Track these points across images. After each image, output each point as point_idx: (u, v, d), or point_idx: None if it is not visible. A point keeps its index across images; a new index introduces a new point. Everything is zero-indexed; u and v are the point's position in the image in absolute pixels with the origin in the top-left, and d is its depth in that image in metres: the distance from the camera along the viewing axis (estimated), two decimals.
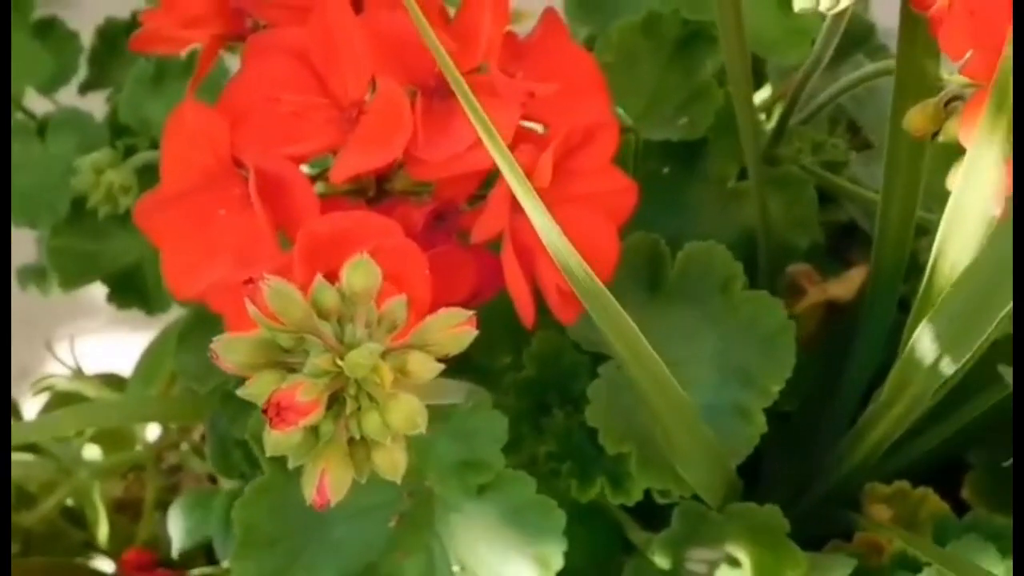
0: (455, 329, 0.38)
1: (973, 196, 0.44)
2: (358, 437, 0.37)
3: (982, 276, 0.44)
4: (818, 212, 0.60)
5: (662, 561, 0.53)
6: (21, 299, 0.74)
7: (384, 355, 0.37)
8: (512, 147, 0.45)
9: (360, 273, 0.37)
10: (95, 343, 0.77)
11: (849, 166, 0.62)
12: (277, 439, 0.36)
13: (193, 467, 0.69)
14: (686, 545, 0.53)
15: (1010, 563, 0.55)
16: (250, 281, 0.36)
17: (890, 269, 0.56)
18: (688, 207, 0.59)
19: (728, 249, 0.56)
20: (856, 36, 0.64)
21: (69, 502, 0.70)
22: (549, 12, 0.49)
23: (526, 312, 0.47)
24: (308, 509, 0.50)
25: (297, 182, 0.44)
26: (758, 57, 0.62)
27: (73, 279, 0.67)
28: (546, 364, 0.53)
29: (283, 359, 0.37)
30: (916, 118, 0.47)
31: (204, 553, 0.65)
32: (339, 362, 0.36)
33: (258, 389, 0.36)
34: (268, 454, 0.36)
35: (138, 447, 0.70)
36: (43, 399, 0.73)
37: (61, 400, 0.70)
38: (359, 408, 0.37)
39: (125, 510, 0.69)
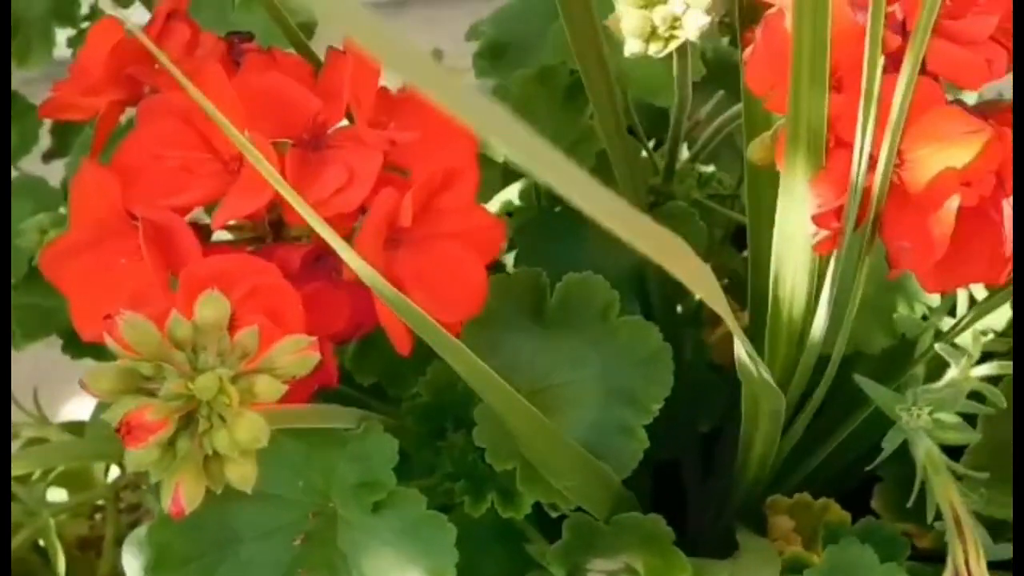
0: (299, 354, 0.43)
1: (793, 221, 0.48)
2: (211, 453, 0.41)
3: (794, 297, 0.48)
4: (707, 242, 0.64)
5: (558, 571, 0.57)
6: None
7: (234, 379, 0.41)
8: (375, 191, 0.50)
9: (210, 307, 0.42)
10: (57, 392, 0.82)
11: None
12: (137, 456, 0.40)
13: (151, 505, 0.74)
14: (578, 555, 0.57)
15: (889, 567, 0.58)
16: (108, 317, 0.41)
17: (763, 293, 0.60)
18: (585, 241, 0.64)
19: (622, 279, 0.60)
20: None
21: (42, 541, 0.75)
22: None
23: (400, 342, 0.52)
24: (219, 530, 0.55)
25: (180, 230, 0.49)
26: None
27: (32, 333, 0.72)
28: (440, 391, 0.57)
29: (144, 386, 0.41)
30: (756, 150, 0.51)
31: None
32: (190, 386, 0.40)
33: (116, 413, 0.40)
34: (128, 470, 0.41)
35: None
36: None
37: (28, 445, 0.75)
38: (211, 427, 0.41)
39: (89, 548, 0.74)
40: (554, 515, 0.57)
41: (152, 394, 0.41)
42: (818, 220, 0.47)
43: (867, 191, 0.46)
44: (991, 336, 0.63)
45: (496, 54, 0.67)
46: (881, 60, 0.41)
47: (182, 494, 0.41)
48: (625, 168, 0.59)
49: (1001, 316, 0.63)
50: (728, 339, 0.71)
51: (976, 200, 0.47)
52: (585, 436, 0.57)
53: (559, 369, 0.58)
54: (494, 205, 0.64)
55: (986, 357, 0.66)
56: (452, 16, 0.76)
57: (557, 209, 0.63)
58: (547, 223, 0.63)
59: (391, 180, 0.50)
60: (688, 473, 0.74)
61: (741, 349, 0.48)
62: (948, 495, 0.54)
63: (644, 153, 0.65)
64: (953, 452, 0.65)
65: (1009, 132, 0.48)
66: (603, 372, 0.58)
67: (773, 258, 0.51)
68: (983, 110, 0.51)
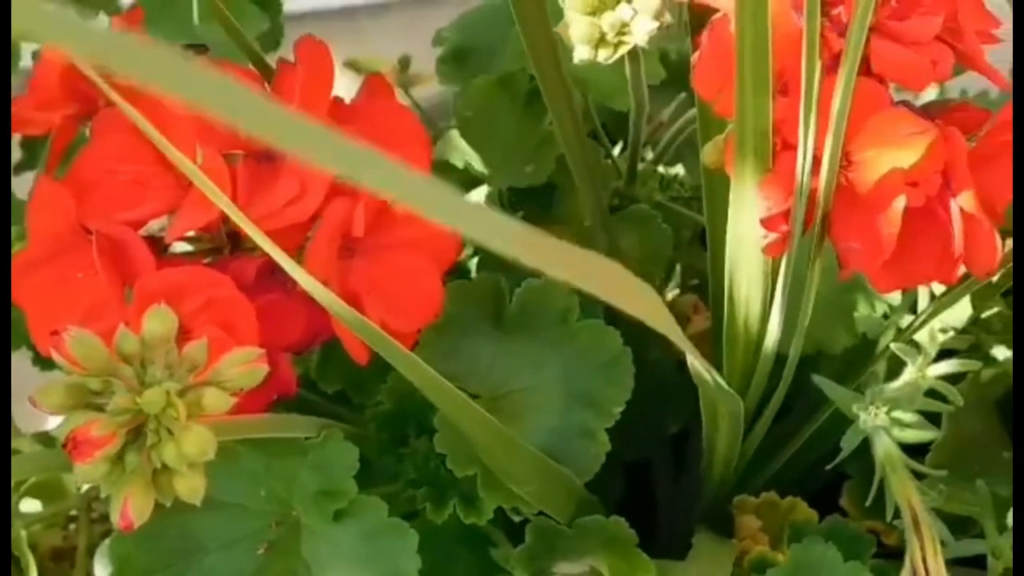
0: (248, 366, 0.43)
1: (743, 224, 0.49)
2: (160, 466, 0.42)
3: (750, 300, 0.48)
4: (671, 244, 0.65)
5: (522, 575, 0.57)
6: None
7: (182, 392, 0.42)
8: (327, 201, 0.50)
9: (157, 320, 0.42)
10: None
11: None
12: (85, 471, 0.41)
13: None
14: (542, 559, 0.57)
15: (853, 566, 0.59)
16: (55, 332, 0.41)
17: (721, 295, 0.60)
18: None
19: None
20: None
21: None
22: (372, 77, 0.54)
23: (356, 353, 0.52)
24: (182, 540, 0.55)
25: (134, 244, 0.49)
26: None
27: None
28: (402, 398, 0.58)
29: (94, 400, 0.42)
30: (709, 153, 0.52)
31: None
32: (138, 400, 0.41)
33: (65, 428, 0.41)
34: (78, 484, 0.41)
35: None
36: None
37: None
38: (159, 440, 0.41)
39: (63, 559, 0.74)
40: (517, 519, 0.57)
41: (101, 408, 0.41)
42: (766, 223, 0.47)
43: (813, 193, 0.46)
44: (951, 334, 0.63)
45: (458, 60, 0.67)
46: (819, 63, 0.42)
47: (131, 508, 0.41)
48: (585, 173, 0.59)
49: (961, 313, 0.63)
50: (697, 338, 0.72)
51: (923, 200, 0.47)
52: (546, 440, 0.57)
53: (519, 374, 0.58)
54: None
55: (948, 354, 0.66)
56: (437, 18, 0.76)
57: (519, 214, 0.64)
58: None
59: (343, 190, 0.50)
60: (659, 474, 0.74)
61: (690, 356, 0.48)
62: (906, 493, 0.55)
63: (607, 157, 0.66)
64: (919, 450, 0.65)
65: (956, 132, 0.48)
66: (563, 376, 0.58)
67: (727, 261, 0.51)
68: (931, 111, 0.51)
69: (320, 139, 0.23)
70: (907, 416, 0.55)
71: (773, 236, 0.48)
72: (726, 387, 0.51)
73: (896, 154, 0.46)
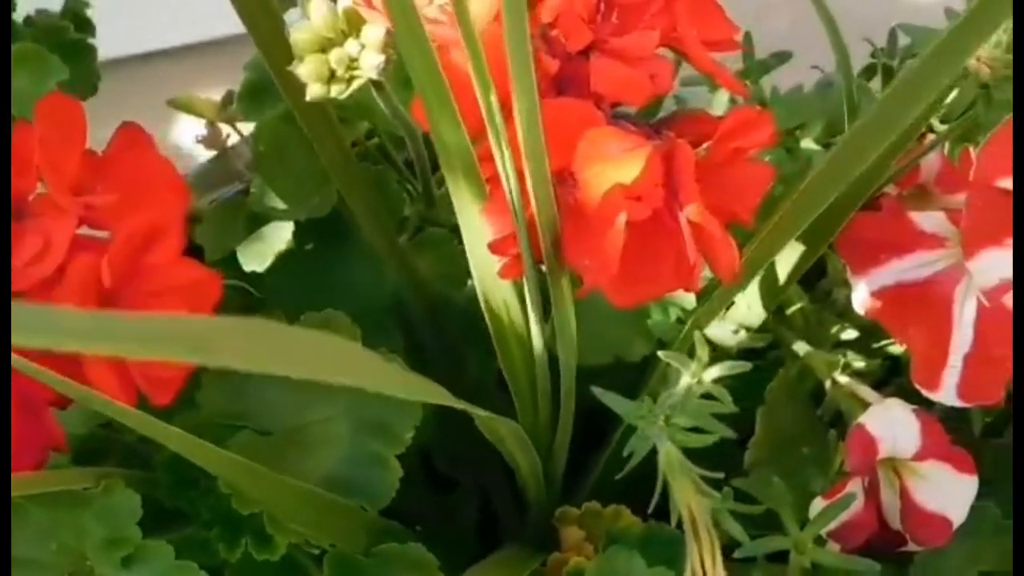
0: None
1: (480, 250, 0.49)
2: None
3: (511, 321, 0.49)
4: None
5: None
6: None
7: None
8: (70, 257, 0.50)
9: None
10: None
11: None
12: None
13: None
14: None
15: (658, 571, 0.59)
16: None
17: None
18: (340, 275, 0.64)
19: (381, 308, 0.61)
20: None
21: None
22: (124, 127, 0.55)
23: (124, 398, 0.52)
24: None
25: None
26: None
27: None
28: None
29: None
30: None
31: None
32: None
33: None
34: None
35: None
36: None
37: None
38: None
39: None
40: (310, 551, 0.57)
41: None
42: (494, 248, 0.48)
43: (533, 217, 0.47)
44: (742, 335, 0.64)
45: (255, 96, 0.68)
46: (493, 96, 0.42)
47: None
48: (360, 202, 0.60)
49: (757, 312, 0.64)
50: None
51: (648, 213, 0.48)
52: (337, 471, 0.58)
53: (310, 407, 0.59)
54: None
55: (749, 354, 0.67)
56: None
57: (308, 247, 0.64)
58: (298, 261, 0.64)
59: (88, 244, 0.51)
60: (495, 494, 0.74)
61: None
62: (686, 498, 0.55)
63: (400, 181, 0.66)
64: (740, 446, 0.66)
65: (682, 144, 0.49)
66: (351, 406, 0.58)
67: (478, 286, 0.52)
68: (664, 123, 0.52)
69: None
70: (685, 422, 0.56)
71: (505, 259, 0.48)
72: (483, 413, 0.51)
73: (617, 170, 0.47)
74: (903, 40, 0.71)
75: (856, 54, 0.69)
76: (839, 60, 0.73)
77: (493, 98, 0.42)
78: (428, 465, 0.75)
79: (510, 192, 0.45)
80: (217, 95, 0.82)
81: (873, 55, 0.73)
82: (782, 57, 0.72)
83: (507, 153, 0.43)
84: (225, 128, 0.80)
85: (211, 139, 0.81)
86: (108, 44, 0.75)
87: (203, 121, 0.80)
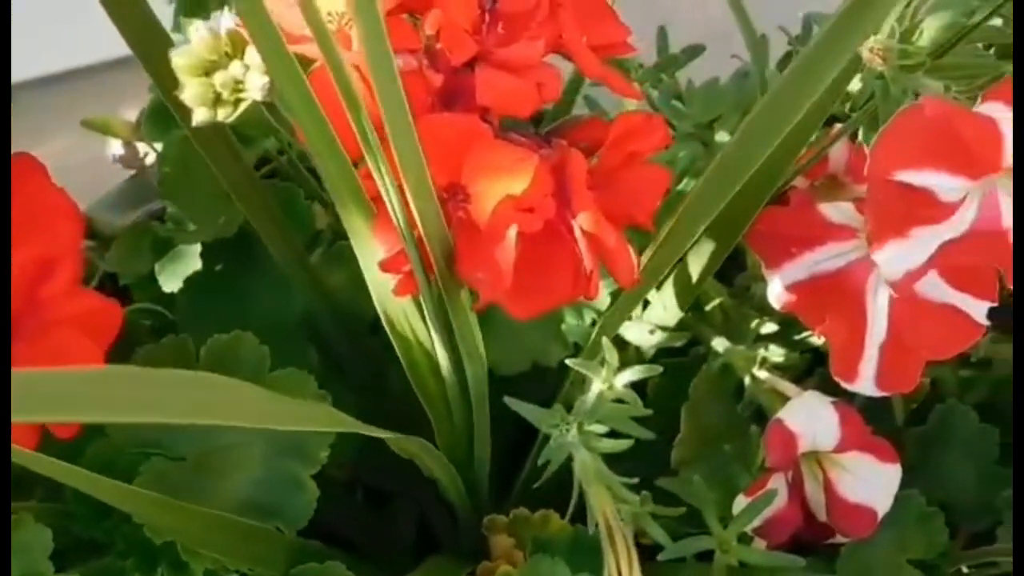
0: None
1: (374, 268, 0.49)
2: None
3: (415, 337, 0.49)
4: None
5: None
6: None
7: None
8: None
9: None
10: None
11: None
12: None
13: None
14: None
15: None
16: None
17: None
18: (251, 294, 0.64)
19: (295, 326, 0.61)
20: None
21: None
22: (18, 157, 0.54)
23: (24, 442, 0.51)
24: None
25: None
26: None
27: None
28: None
29: None
30: None
31: None
32: None
33: None
34: None
35: None
36: None
37: None
38: None
39: None
40: None
41: None
42: (386, 266, 0.48)
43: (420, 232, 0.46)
44: (659, 335, 0.64)
45: (158, 117, 0.67)
46: (364, 115, 0.42)
47: None
48: (266, 220, 0.59)
49: (673, 312, 0.63)
50: None
51: (540, 225, 0.47)
52: (252, 494, 0.57)
53: (221, 431, 0.58)
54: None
55: (672, 352, 0.67)
56: None
57: (218, 268, 0.63)
58: (208, 281, 0.63)
59: None
60: (428, 507, 0.74)
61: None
62: (601, 505, 0.55)
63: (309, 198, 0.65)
64: (668, 444, 0.66)
65: (573, 153, 0.49)
66: (264, 428, 0.58)
67: (377, 305, 0.51)
68: (558, 131, 0.51)
69: None
70: (598, 428, 0.55)
71: (399, 276, 0.48)
72: (389, 434, 0.51)
73: (506, 183, 0.46)
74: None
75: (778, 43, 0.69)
76: (753, 50, 0.73)
77: (364, 117, 0.41)
78: (363, 481, 0.74)
79: (393, 210, 0.44)
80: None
81: (790, 43, 0.73)
82: (694, 51, 0.72)
83: (385, 170, 0.43)
84: (143, 147, 0.80)
85: (128, 159, 0.80)
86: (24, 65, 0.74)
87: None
